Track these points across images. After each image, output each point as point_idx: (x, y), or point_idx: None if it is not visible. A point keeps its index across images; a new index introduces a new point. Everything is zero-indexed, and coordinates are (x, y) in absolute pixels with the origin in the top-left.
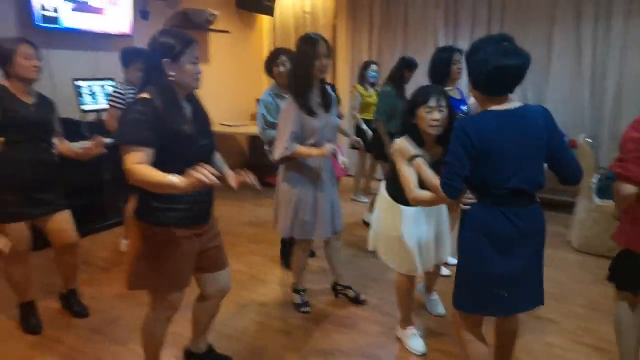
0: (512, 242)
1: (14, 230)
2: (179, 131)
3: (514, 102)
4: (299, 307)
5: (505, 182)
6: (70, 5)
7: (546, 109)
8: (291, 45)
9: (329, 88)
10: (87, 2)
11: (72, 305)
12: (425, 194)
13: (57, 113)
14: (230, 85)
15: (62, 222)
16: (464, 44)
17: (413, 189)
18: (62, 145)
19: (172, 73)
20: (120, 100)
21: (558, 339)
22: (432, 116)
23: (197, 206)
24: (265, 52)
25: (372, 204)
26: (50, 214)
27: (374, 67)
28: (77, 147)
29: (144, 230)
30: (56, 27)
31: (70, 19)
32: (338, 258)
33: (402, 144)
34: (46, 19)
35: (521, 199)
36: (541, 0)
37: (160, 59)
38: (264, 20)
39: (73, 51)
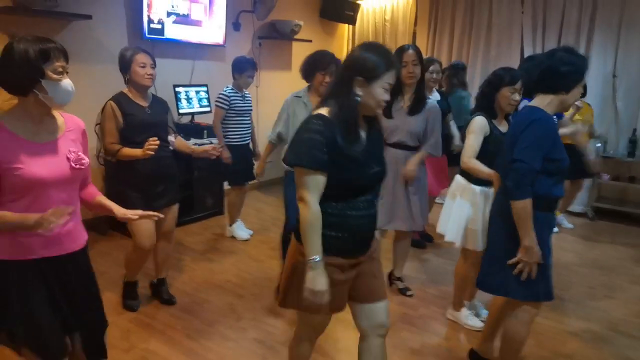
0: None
1: (139, 224)
2: (351, 156)
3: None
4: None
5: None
6: (173, 18)
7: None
8: None
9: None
10: (188, 15)
11: (162, 293)
12: (481, 167)
13: (170, 112)
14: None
15: (172, 212)
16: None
17: (471, 157)
18: (178, 142)
19: (359, 93)
20: (225, 102)
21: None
22: (514, 97)
23: (359, 236)
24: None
25: None
26: (168, 206)
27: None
28: (194, 147)
29: (301, 252)
30: (160, 38)
31: (173, 30)
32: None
33: (483, 121)
34: (152, 30)
35: None
36: (637, 5)
37: (353, 76)
38: (345, 28)
39: (174, 59)
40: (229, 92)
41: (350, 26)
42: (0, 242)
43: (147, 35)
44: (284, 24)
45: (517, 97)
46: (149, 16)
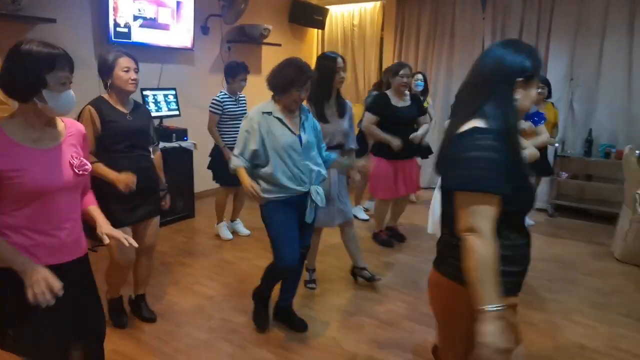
0: None
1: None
2: (525, 174)
3: None
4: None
5: None
6: (140, 22)
7: None
8: None
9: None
10: (155, 19)
11: (142, 310)
12: None
13: (152, 121)
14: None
15: (152, 227)
16: None
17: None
18: (157, 158)
19: (517, 97)
20: (218, 107)
21: (593, 342)
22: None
23: (527, 267)
24: (314, 63)
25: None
26: (147, 219)
27: (419, 76)
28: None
29: (457, 295)
30: (127, 42)
31: (140, 34)
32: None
33: None
34: (118, 34)
35: None
36: (591, 12)
37: (514, 78)
38: (314, 33)
39: (141, 63)
40: (222, 97)
41: (320, 31)
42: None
43: (113, 39)
44: (253, 28)
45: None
46: (115, 20)
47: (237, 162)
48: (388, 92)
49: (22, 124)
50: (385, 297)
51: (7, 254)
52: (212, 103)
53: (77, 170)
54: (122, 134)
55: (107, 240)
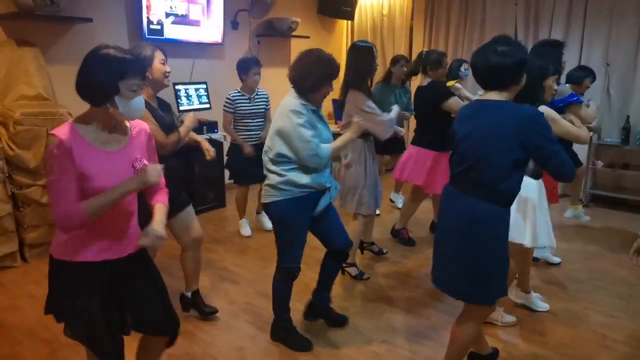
0: None
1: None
2: None
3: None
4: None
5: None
6: (172, 18)
7: (530, 114)
8: None
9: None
10: (186, 16)
11: (200, 306)
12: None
13: (175, 113)
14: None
15: (189, 218)
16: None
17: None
18: (186, 132)
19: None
20: (230, 106)
21: (614, 333)
22: (555, 87)
23: None
24: (344, 54)
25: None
26: (180, 210)
27: (465, 65)
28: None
29: None
30: (160, 38)
31: (172, 30)
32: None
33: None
34: (152, 31)
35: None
36: None
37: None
38: (343, 24)
39: (173, 59)
40: (233, 96)
41: (349, 22)
42: (63, 243)
43: (147, 36)
44: (281, 22)
45: (556, 87)
46: (148, 17)
47: (324, 148)
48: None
49: (93, 125)
50: (404, 284)
51: (105, 197)
52: (225, 102)
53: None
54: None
55: (144, 242)
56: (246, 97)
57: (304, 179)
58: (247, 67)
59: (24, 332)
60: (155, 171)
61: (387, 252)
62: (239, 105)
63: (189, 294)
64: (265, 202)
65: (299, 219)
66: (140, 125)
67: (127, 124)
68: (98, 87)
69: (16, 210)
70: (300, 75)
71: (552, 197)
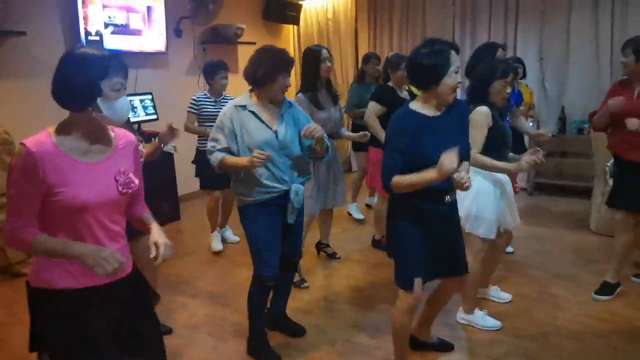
0: None
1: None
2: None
3: None
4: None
5: None
6: (111, 29)
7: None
8: None
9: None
10: (126, 25)
11: None
12: (494, 162)
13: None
14: None
15: (147, 242)
16: (482, 37)
17: (479, 152)
18: (147, 149)
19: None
20: (194, 107)
21: (565, 312)
22: (507, 90)
23: None
24: None
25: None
26: (137, 236)
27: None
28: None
29: None
30: None
31: (112, 41)
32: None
33: (487, 112)
34: (90, 42)
35: None
36: None
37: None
38: (290, 29)
39: None
40: (199, 97)
41: (295, 26)
42: (53, 270)
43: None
44: (227, 28)
45: (508, 90)
46: (85, 29)
47: (217, 156)
48: (390, 84)
49: (73, 134)
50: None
51: (58, 243)
52: (190, 102)
53: (121, 189)
54: None
55: (153, 253)
56: (212, 100)
57: (246, 186)
58: (214, 72)
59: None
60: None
61: (340, 257)
62: (203, 107)
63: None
64: (237, 207)
65: (262, 224)
66: (127, 137)
67: (112, 134)
68: (79, 89)
69: None
70: (252, 67)
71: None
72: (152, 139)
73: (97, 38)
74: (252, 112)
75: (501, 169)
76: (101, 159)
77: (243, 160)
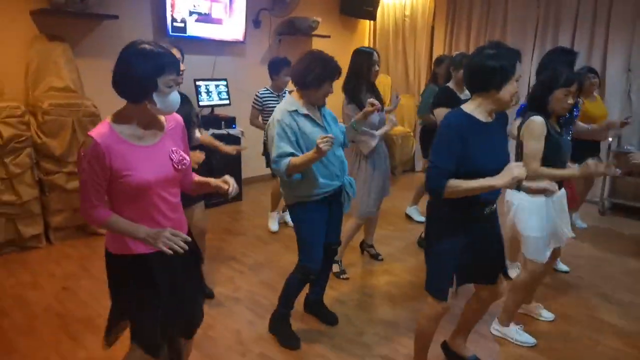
0: None
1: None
2: None
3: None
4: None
5: None
6: (195, 17)
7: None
8: (389, 47)
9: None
10: (209, 14)
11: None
12: (555, 171)
13: (193, 106)
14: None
15: (200, 212)
16: (565, 42)
17: (539, 163)
18: (203, 137)
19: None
20: (258, 103)
21: (608, 339)
22: (569, 100)
23: None
24: None
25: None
26: (191, 205)
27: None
28: (220, 144)
29: None
30: (183, 36)
31: (195, 28)
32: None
33: (542, 123)
34: (175, 29)
35: None
36: None
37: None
38: (366, 24)
39: (195, 55)
40: (262, 93)
41: (371, 22)
42: (114, 237)
43: (170, 33)
44: (302, 21)
45: (571, 100)
46: (172, 15)
47: (283, 163)
48: (450, 84)
49: (129, 122)
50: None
51: (127, 225)
52: (254, 98)
53: (176, 165)
54: None
55: (226, 186)
56: (274, 95)
57: (306, 187)
58: (278, 68)
59: (41, 307)
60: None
61: (382, 259)
62: (267, 102)
63: None
64: (286, 204)
65: (313, 222)
66: (175, 119)
67: (163, 118)
68: (137, 83)
69: (42, 195)
70: (302, 72)
71: (571, 202)
72: (222, 122)
73: (182, 24)
74: (305, 115)
75: (567, 176)
76: (155, 142)
77: (309, 154)
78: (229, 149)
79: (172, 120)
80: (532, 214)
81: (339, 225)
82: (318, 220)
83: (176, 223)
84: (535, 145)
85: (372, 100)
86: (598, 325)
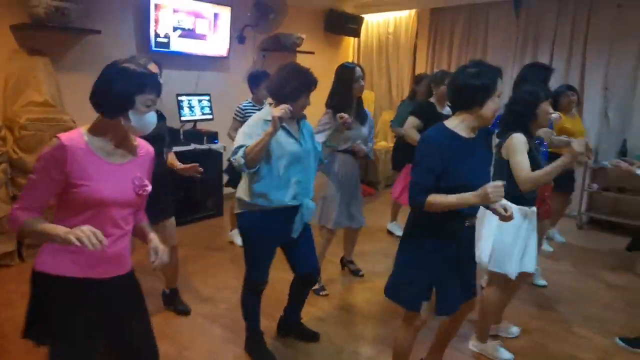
0: None
1: None
2: None
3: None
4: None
5: None
6: (179, 32)
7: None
8: (373, 64)
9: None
10: (193, 30)
11: (176, 303)
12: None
13: (166, 124)
14: (313, 102)
15: (169, 227)
16: (544, 61)
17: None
18: (170, 156)
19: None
20: (239, 114)
21: (584, 354)
22: (551, 111)
23: None
24: None
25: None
26: (161, 221)
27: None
28: (178, 164)
29: None
30: (166, 51)
31: (178, 43)
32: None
33: (524, 139)
34: (159, 44)
35: None
36: (628, 17)
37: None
38: (350, 41)
39: (179, 71)
40: (244, 106)
41: (355, 39)
42: (45, 255)
43: (154, 48)
44: (287, 37)
45: (551, 110)
46: (155, 31)
47: (241, 150)
48: (432, 99)
49: (102, 135)
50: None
51: (46, 227)
52: (235, 110)
53: (137, 190)
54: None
55: (152, 258)
56: (256, 108)
57: (262, 194)
58: (258, 82)
59: (12, 326)
60: None
61: (363, 275)
62: (249, 114)
63: (167, 291)
64: (235, 212)
65: (262, 232)
66: (148, 149)
67: (135, 142)
68: (115, 99)
69: None
70: (278, 85)
71: (546, 213)
72: (204, 137)
73: (166, 40)
74: (282, 126)
75: (559, 166)
76: (123, 162)
77: (260, 141)
78: (185, 169)
79: (144, 149)
80: (514, 228)
81: (312, 253)
82: (267, 232)
83: (119, 251)
84: (520, 157)
85: (340, 114)
86: (575, 340)
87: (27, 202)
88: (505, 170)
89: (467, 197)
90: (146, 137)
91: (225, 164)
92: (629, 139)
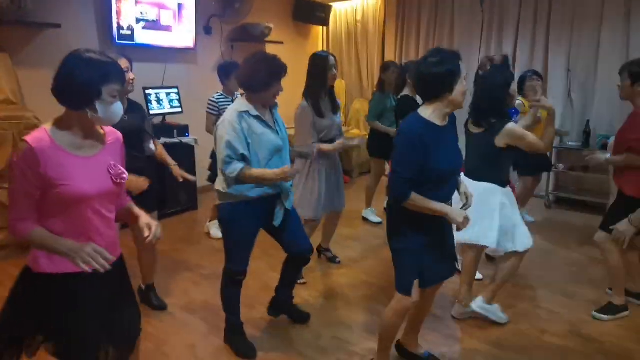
0: None
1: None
2: None
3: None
4: None
5: None
6: (142, 24)
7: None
8: (343, 52)
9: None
10: (157, 21)
11: (151, 299)
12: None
13: (148, 118)
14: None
15: None
16: (509, 47)
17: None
18: (160, 151)
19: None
20: (214, 108)
21: (555, 328)
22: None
23: None
24: None
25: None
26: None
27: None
28: (171, 161)
29: None
30: (131, 44)
31: (143, 36)
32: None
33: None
34: (122, 36)
35: None
36: (588, 1)
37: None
38: (319, 30)
39: (145, 64)
40: (217, 98)
41: (324, 27)
42: (39, 255)
43: (117, 41)
44: (254, 27)
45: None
46: (118, 23)
47: (235, 166)
48: (406, 92)
49: (68, 129)
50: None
51: (49, 239)
52: (208, 104)
53: (114, 179)
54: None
55: (146, 233)
56: (229, 99)
57: (244, 186)
58: (228, 72)
59: None
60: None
61: (340, 262)
62: (223, 107)
63: (143, 287)
64: (216, 204)
65: (243, 223)
66: (115, 134)
67: (102, 131)
68: (80, 90)
69: None
70: (248, 76)
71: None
72: (174, 130)
73: (129, 32)
74: (256, 117)
75: (551, 115)
76: (93, 153)
77: (269, 173)
78: (178, 173)
79: (112, 135)
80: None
81: (302, 234)
82: (247, 224)
83: (109, 240)
84: (529, 137)
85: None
86: (545, 315)
87: (21, 212)
88: (492, 157)
89: (440, 207)
90: (123, 132)
91: (197, 157)
92: (592, 120)
